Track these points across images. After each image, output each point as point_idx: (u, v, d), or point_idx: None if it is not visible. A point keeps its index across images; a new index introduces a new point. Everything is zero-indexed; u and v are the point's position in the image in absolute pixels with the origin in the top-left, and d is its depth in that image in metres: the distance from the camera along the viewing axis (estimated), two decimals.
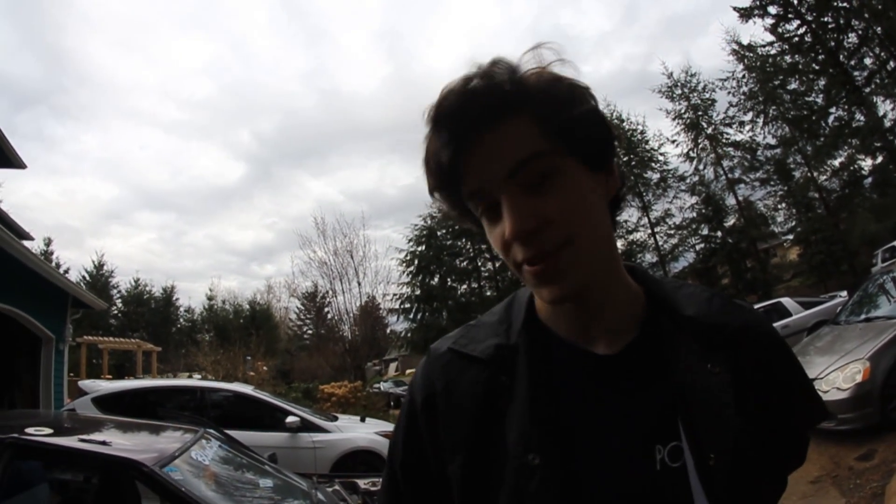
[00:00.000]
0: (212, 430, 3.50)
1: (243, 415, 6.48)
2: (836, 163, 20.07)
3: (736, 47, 22.35)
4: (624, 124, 25.63)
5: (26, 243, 10.70)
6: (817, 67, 18.87)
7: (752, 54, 21.81)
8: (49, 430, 2.65)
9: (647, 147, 25.57)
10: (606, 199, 0.64)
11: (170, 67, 63.74)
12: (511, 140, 0.58)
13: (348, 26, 67.71)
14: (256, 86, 61.83)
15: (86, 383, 6.66)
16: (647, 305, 0.68)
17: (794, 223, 22.90)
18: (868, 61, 17.83)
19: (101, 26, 59.73)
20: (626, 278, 0.69)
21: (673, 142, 25.05)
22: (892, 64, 16.92)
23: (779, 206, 23.43)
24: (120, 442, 2.89)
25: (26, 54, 53.67)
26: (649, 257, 24.85)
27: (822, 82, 19.14)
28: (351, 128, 60.63)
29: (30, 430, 2.55)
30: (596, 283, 0.63)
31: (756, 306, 11.01)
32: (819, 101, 19.53)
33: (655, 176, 25.26)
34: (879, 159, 18.51)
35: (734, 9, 20.15)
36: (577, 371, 0.64)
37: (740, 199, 23.85)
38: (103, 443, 2.58)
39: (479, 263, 27.73)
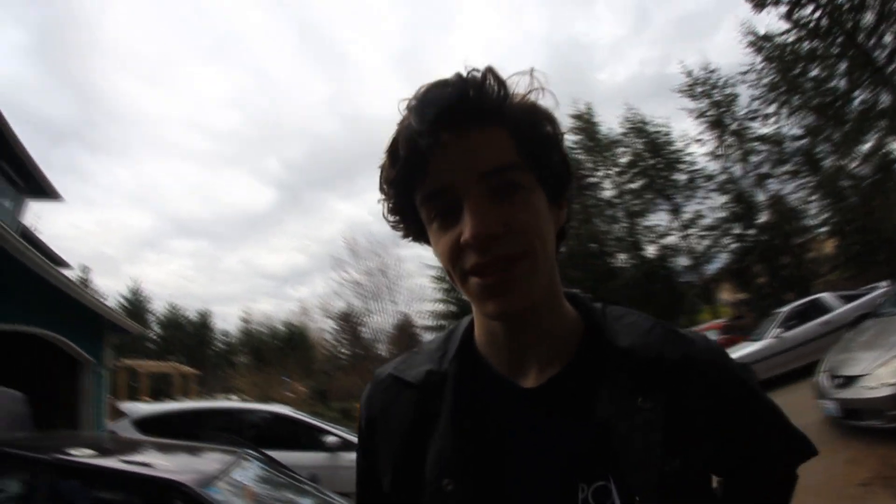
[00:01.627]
0: (252, 451, 3.52)
1: (282, 435, 6.47)
2: (865, 148, 19.42)
3: (752, 39, 21.92)
4: (647, 127, 25.25)
5: (63, 271, 11.06)
6: (837, 51, 18.28)
7: (769, 44, 21.34)
8: (91, 451, 2.71)
9: (672, 149, 25.05)
10: (555, 231, 0.65)
11: (196, 100, 65.77)
12: (492, 145, 0.58)
13: (366, 51, 68.64)
14: (281, 114, 63.33)
15: (126, 405, 6.81)
16: (583, 335, 0.67)
17: (827, 214, 22.21)
18: (888, 39, 17.22)
19: (128, 64, 61.93)
20: (565, 306, 0.69)
21: (698, 141, 24.46)
22: None
23: (810, 199, 22.77)
24: (161, 463, 2.93)
25: (59, 93, 56.30)
26: (683, 261, 24.32)
27: (843, 66, 18.58)
28: (375, 150, 56.88)
29: (72, 450, 2.61)
30: (539, 307, 0.63)
31: (794, 304, 10.64)
32: (842, 85, 18.96)
33: (683, 177, 24.70)
34: None
35: None
36: (504, 402, 0.65)
37: (771, 194, 23.27)
38: (145, 464, 2.62)
39: None
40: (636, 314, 0.70)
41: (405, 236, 0.69)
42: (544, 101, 0.62)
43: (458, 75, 0.59)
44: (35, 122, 46.37)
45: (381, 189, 0.65)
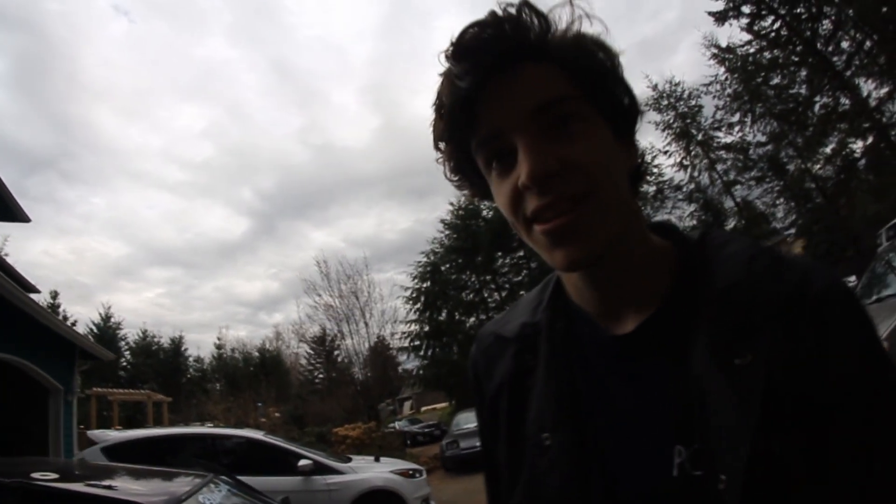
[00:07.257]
0: (222, 476, 3.45)
1: (256, 460, 6.42)
2: (828, 150, 20.13)
3: (715, 51, 22.62)
4: None
5: (32, 296, 10.71)
6: (797, 59, 19.05)
7: (731, 56, 22.07)
8: (55, 476, 2.62)
9: (639, 161, 25.65)
10: (626, 169, 0.58)
11: (172, 132, 65.98)
12: (538, 80, 0.53)
13: (335, 84, 69.96)
14: (254, 145, 64.16)
15: (95, 433, 6.63)
16: (677, 271, 0.59)
17: (794, 216, 22.87)
18: (845, 45, 17.98)
19: (105, 96, 62.09)
20: (651, 243, 0.61)
21: (665, 152, 25.13)
22: (868, 44, 17.10)
23: (777, 202, 23.45)
24: (127, 487, 2.84)
25: (36, 123, 55.37)
26: None
27: (803, 73, 19.32)
28: (347, 179, 62.23)
29: (35, 475, 2.52)
30: (616, 249, 0.55)
31: None
32: (803, 91, 19.69)
33: (652, 189, 25.15)
34: (870, 140, 18.52)
35: (709, 13, 20.43)
36: (598, 350, 0.60)
37: (738, 200, 23.88)
38: (109, 487, 2.54)
39: (486, 295, 27.34)
40: (739, 241, 0.59)
41: (473, 195, 0.65)
42: (591, 29, 0.56)
43: (493, 13, 0.54)
44: (9, 150, 44.94)
45: (436, 147, 0.61)
